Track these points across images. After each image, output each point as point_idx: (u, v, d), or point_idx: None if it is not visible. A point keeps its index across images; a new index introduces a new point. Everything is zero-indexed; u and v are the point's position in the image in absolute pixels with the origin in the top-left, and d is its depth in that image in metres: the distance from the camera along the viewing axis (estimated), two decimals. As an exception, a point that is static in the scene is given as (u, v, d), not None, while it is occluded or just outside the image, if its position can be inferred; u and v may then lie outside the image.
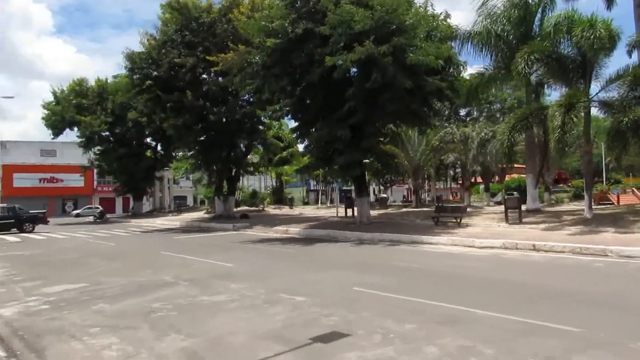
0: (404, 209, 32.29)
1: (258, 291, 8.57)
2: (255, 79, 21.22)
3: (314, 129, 22.48)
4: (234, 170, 34.44)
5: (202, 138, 31.99)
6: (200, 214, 40.07)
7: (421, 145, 33.95)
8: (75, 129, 44.33)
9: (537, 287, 8.50)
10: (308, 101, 22.06)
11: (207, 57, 26.11)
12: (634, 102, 18.77)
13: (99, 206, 56.76)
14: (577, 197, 33.43)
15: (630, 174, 48.25)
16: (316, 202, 57.29)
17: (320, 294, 8.17)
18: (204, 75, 30.41)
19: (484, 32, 21.80)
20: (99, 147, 44.96)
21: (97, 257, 14.75)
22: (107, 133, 43.98)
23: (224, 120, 30.58)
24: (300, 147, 33.01)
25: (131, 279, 10.30)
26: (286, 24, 19.22)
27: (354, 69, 20.25)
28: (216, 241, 19.42)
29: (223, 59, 23.10)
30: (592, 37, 17.15)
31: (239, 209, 39.56)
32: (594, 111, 21.62)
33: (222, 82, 27.89)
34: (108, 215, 47.60)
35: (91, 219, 44.65)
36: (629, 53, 19.38)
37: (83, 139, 43.83)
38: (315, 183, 59.36)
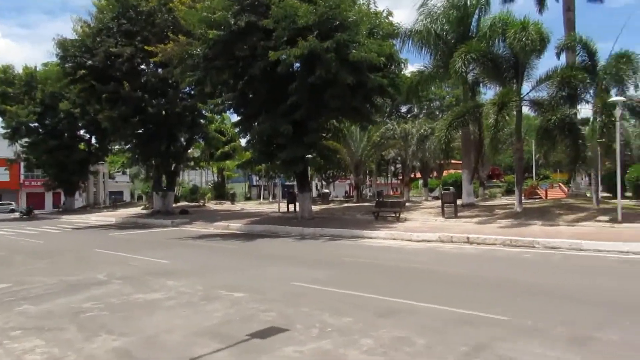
0: (346, 204, 32.69)
1: (196, 288, 8.37)
2: (197, 71, 20.68)
3: (256, 124, 22.23)
4: (173, 165, 33.47)
5: (140, 131, 30.85)
6: (137, 210, 38.72)
7: (363, 141, 34.46)
8: (0, 119, 41.56)
9: (471, 279, 8.83)
10: (251, 95, 21.78)
11: (146, 47, 25.16)
12: (561, 102, 19.87)
13: (12, 202, 53.61)
14: (509, 191, 35.05)
15: (558, 169, 51.08)
16: (258, 197, 56.89)
17: (260, 290, 8.09)
18: (143, 66, 29.33)
19: (424, 31, 22.41)
20: (26, 139, 42.29)
21: (23, 255, 13.92)
22: (36, 124, 41.39)
23: (164, 112, 29.66)
24: (243, 141, 32.54)
25: (60, 278, 9.77)
26: (229, 16, 18.85)
27: (298, 64, 20.19)
28: (153, 237, 18.84)
29: (162, 50, 22.36)
30: (524, 39, 18.07)
31: (178, 204, 38.60)
32: (526, 110, 22.73)
33: (162, 73, 27.02)
34: (36, 211, 45.05)
35: (16, 215, 42.06)
36: (558, 55, 20.47)
37: (8, 130, 41.17)
38: (257, 178, 58.87)
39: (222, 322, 6.22)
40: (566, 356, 4.68)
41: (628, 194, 25.85)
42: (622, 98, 16.98)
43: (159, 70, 27.81)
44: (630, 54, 18.05)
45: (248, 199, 56.19)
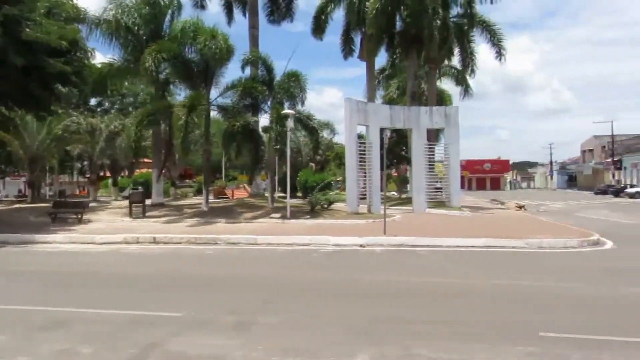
0: (18, 205, 28.36)
1: None
2: None
3: None
4: None
5: None
6: None
7: (41, 133, 30.42)
8: None
9: (151, 279, 8.85)
10: None
11: None
12: (244, 109, 21.80)
13: None
14: (200, 191, 36.26)
15: (244, 171, 55.61)
16: None
17: None
18: None
19: (114, 21, 21.30)
20: None
21: None
22: None
23: None
24: None
25: None
26: None
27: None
28: None
29: None
30: (213, 47, 19.11)
31: None
32: (214, 114, 24.00)
33: None
34: None
35: None
36: (242, 68, 22.39)
37: None
38: None
39: None
40: (230, 342, 5.11)
41: (299, 194, 30.15)
42: (292, 111, 19.72)
43: None
44: (299, 74, 21.16)
45: None
